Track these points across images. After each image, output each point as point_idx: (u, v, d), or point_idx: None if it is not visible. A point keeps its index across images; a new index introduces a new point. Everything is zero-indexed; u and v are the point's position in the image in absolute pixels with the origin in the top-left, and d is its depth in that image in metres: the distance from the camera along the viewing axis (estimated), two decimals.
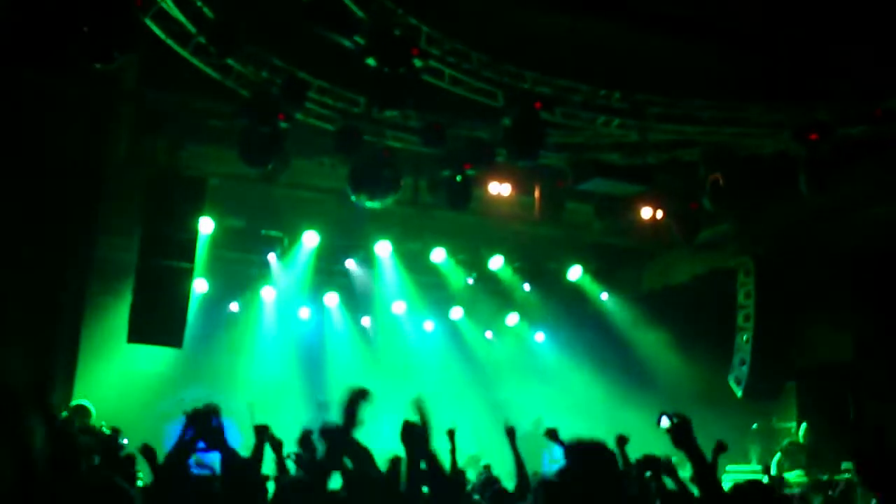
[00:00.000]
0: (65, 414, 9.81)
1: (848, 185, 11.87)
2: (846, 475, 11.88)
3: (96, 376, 13.73)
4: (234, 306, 17.45)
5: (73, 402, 10.69)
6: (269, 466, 6.71)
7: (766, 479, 12.80)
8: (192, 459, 5.26)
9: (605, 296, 17.55)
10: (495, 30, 10.07)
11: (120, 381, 15.01)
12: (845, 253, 14.23)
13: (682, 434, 4.47)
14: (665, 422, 4.53)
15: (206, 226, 12.91)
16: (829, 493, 11.16)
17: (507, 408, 18.29)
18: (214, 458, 5.57)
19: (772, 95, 11.08)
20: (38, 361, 9.80)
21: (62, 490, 4.85)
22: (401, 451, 5.31)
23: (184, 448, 5.16)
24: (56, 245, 10.15)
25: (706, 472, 4.52)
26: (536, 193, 12.64)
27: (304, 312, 17.78)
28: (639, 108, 11.21)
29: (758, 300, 14.30)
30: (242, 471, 4.92)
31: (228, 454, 5.21)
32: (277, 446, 6.86)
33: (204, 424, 5.18)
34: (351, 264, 16.15)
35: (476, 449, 14.96)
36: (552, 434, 7.41)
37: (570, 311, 17.96)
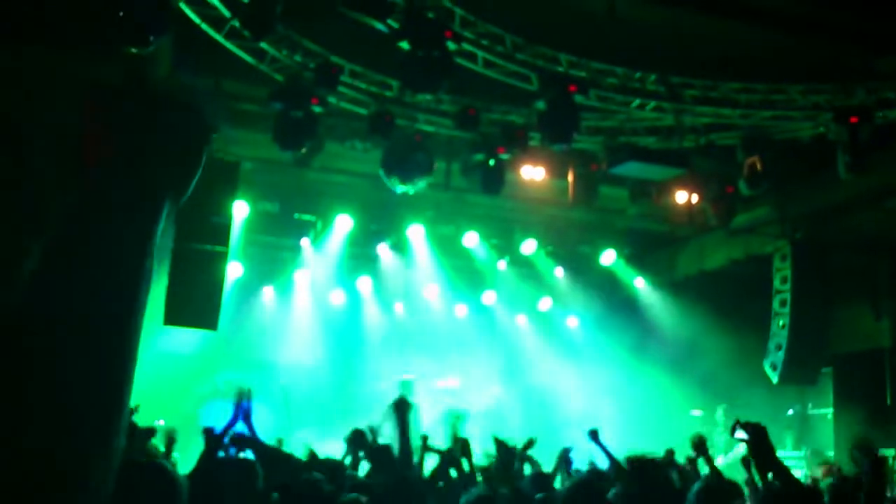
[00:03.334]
0: None
1: (887, 168, 11.69)
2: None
3: None
4: (267, 290, 17.56)
5: None
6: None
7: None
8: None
9: (639, 280, 17.45)
10: (530, 12, 9.98)
11: (155, 364, 15.17)
12: (884, 238, 14.04)
13: (759, 444, 4.48)
14: (741, 433, 4.50)
15: (240, 210, 12.98)
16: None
17: (541, 393, 18.31)
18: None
19: (811, 78, 10.90)
20: None
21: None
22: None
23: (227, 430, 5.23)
24: None
25: (789, 477, 4.53)
26: (570, 177, 12.56)
27: (337, 296, 17.84)
28: (674, 91, 11.10)
29: (794, 285, 14.13)
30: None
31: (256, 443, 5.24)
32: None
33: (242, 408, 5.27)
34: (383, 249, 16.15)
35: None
36: (594, 436, 7.08)
37: (604, 295, 17.87)
